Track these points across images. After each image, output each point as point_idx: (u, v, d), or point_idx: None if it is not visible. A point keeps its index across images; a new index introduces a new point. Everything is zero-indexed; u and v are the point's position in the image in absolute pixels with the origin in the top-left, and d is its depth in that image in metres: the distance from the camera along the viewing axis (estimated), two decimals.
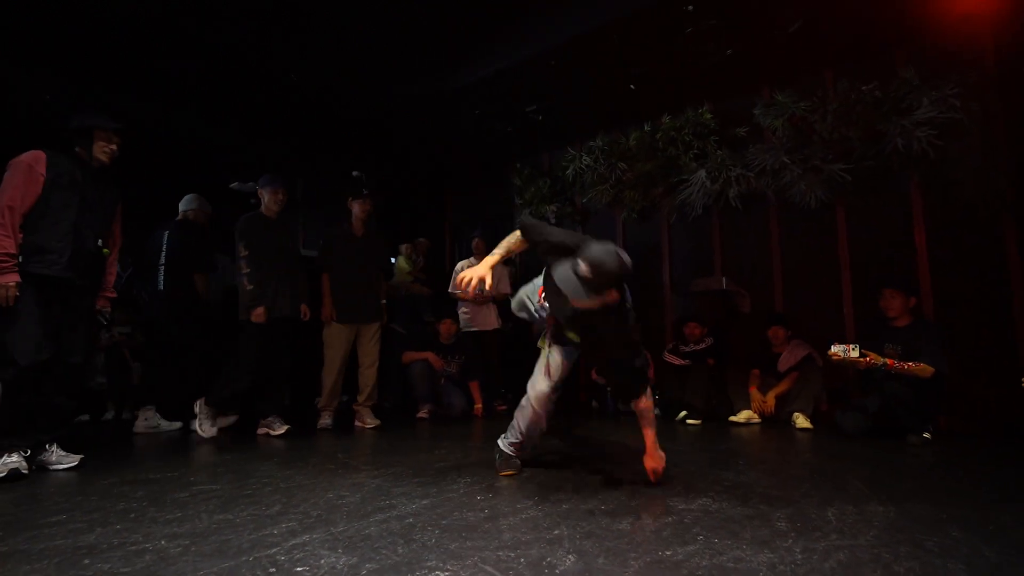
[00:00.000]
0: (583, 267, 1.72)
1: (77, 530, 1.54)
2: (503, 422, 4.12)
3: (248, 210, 3.63)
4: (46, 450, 2.42)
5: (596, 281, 1.71)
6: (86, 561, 1.31)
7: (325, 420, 3.67)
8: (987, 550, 1.35)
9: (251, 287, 3.35)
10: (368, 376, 3.79)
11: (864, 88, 3.83)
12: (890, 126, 3.75)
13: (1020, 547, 1.38)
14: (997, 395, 3.42)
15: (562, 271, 1.77)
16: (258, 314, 3.33)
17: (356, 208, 3.88)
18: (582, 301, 1.77)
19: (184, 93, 4.39)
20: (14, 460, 2.23)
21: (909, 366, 3.06)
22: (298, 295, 3.58)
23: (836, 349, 3.16)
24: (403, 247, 5.51)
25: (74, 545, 1.42)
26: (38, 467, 2.39)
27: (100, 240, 2.61)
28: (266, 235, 3.50)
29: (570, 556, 1.31)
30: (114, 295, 2.78)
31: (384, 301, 4.03)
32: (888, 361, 3.10)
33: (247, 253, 3.38)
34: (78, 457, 2.46)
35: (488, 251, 5.09)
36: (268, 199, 3.56)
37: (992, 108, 3.56)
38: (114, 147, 2.64)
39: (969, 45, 3.67)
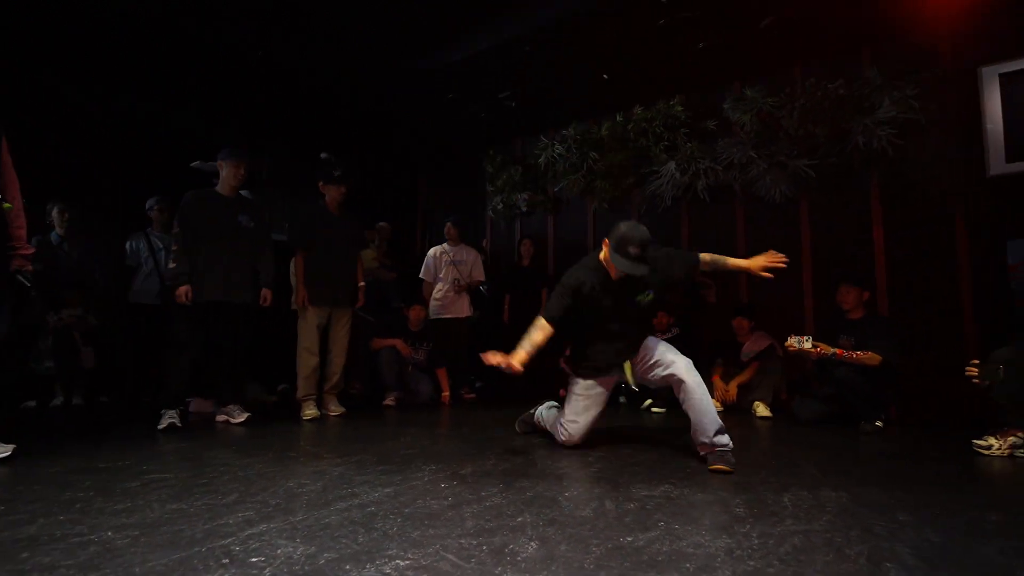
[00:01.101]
0: (633, 249, 2.23)
1: (16, 521, 1.46)
2: (470, 410, 4.11)
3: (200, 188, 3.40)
4: None
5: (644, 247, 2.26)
6: (24, 554, 1.24)
7: (310, 410, 3.46)
8: (931, 533, 1.41)
9: (174, 265, 3.15)
10: (336, 363, 3.68)
11: (830, 86, 3.93)
12: (853, 124, 3.85)
13: (962, 529, 1.45)
14: (946, 386, 3.58)
15: (620, 261, 2.27)
16: (179, 294, 3.10)
17: (330, 193, 3.70)
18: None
19: (145, 65, 4.19)
20: None
21: (857, 355, 3.20)
22: (245, 279, 3.32)
23: (791, 340, 3.30)
24: (365, 233, 5.40)
25: (12, 537, 1.34)
26: None
27: None
28: (219, 212, 3.25)
29: (532, 543, 1.31)
30: (30, 251, 2.44)
31: (362, 283, 3.88)
32: (837, 351, 3.24)
33: (178, 230, 3.18)
34: (10, 447, 2.22)
35: (460, 237, 5.02)
36: (228, 173, 3.31)
37: (948, 110, 3.70)
38: None
39: (927, 45, 3.79)
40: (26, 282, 2.39)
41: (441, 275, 4.77)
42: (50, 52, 3.99)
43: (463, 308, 4.78)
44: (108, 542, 1.31)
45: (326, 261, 3.61)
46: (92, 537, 1.34)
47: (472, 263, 4.87)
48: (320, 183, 3.73)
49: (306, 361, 3.55)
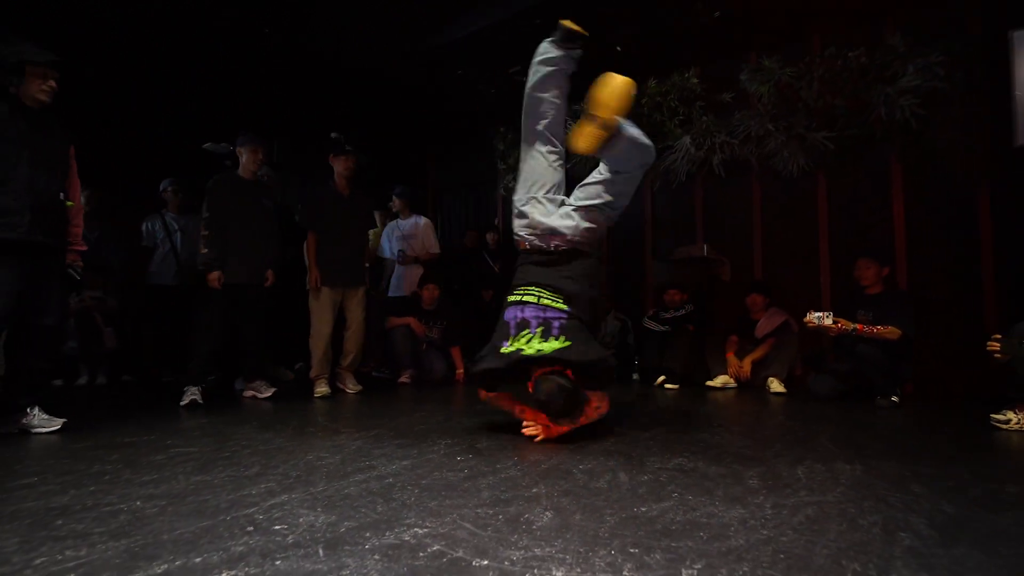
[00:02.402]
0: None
1: (49, 492, 1.52)
2: None
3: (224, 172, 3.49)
4: (27, 414, 2.35)
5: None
6: (59, 522, 1.29)
7: (322, 388, 3.52)
8: (946, 505, 1.40)
9: (205, 251, 3.24)
10: (352, 341, 3.73)
11: (851, 54, 3.80)
12: (874, 94, 3.74)
13: (977, 502, 1.44)
14: (964, 361, 3.54)
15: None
16: (212, 279, 3.20)
17: (339, 166, 3.70)
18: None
19: (154, 47, 4.19)
20: None
21: (877, 329, 3.17)
22: (265, 261, 3.41)
23: (811, 316, 3.26)
24: (376, 213, 5.40)
25: (46, 506, 1.40)
26: (20, 431, 2.33)
27: (62, 193, 2.42)
28: (243, 196, 3.35)
29: (547, 513, 1.33)
30: (84, 248, 2.63)
31: (367, 265, 3.93)
32: (858, 326, 3.20)
33: (208, 215, 3.26)
34: (60, 421, 2.39)
35: (410, 209, 4.76)
36: (247, 158, 3.41)
37: (976, 78, 3.57)
38: (52, 84, 2.33)
39: (955, 9, 3.64)
40: (76, 276, 2.57)
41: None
42: (64, 37, 4.00)
43: (415, 283, 4.62)
44: (137, 511, 1.36)
45: (336, 243, 3.63)
46: (122, 506, 1.39)
47: (423, 234, 4.69)
48: (330, 156, 3.75)
49: (319, 341, 3.60)
